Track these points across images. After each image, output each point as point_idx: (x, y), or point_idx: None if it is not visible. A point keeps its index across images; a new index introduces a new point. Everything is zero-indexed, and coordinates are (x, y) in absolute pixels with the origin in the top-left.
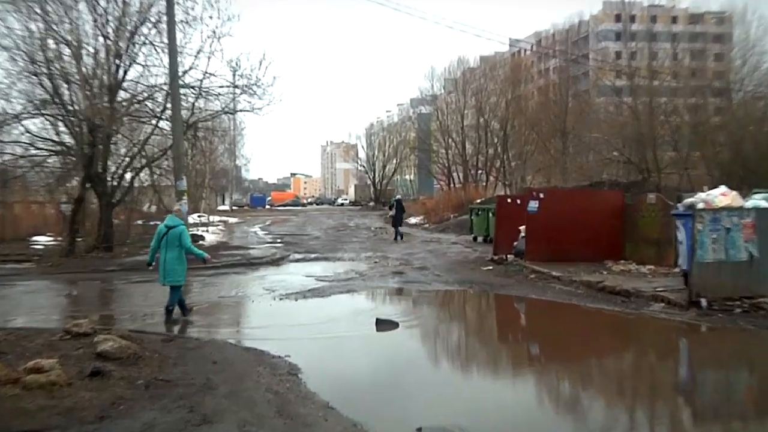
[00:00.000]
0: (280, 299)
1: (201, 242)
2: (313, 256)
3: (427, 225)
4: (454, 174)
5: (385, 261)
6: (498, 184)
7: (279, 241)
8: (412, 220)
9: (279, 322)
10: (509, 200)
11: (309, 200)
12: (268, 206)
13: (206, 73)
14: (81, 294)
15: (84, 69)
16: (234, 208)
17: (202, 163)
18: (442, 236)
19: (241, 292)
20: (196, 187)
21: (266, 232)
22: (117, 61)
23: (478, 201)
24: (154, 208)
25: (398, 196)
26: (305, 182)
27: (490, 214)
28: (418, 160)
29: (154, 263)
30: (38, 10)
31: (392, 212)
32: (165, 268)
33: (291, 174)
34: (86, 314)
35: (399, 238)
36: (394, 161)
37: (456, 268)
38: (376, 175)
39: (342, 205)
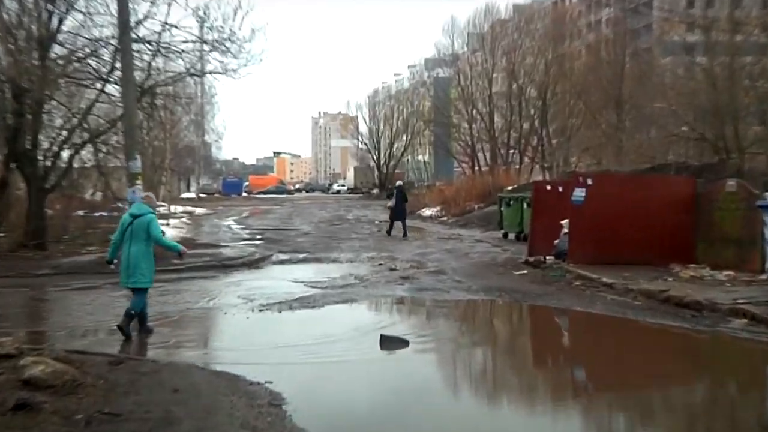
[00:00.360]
0: (260, 311)
1: None
2: (301, 256)
3: (445, 218)
4: (480, 154)
5: (392, 263)
6: (534, 167)
7: (259, 237)
8: (426, 212)
9: (258, 341)
10: (549, 187)
11: (297, 186)
12: (244, 193)
13: (166, 24)
14: (3, 305)
15: (5, 16)
16: (202, 195)
17: (161, 138)
18: (463, 232)
19: (212, 302)
20: (154, 169)
21: (243, 226)
22: (49, 6)
23: (510, 188)
24: (99, 195)
25: (399, 183)
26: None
27: (525, 205)
28: (434, 137)
29: (116, 261)
30: None
31: (391, 202)
32: (129, 265)
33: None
34: (10, 331)
35: (403, 234)
36: (404, 137)
37: (481, 272)
38: (382, 155)
39: (338, 192)
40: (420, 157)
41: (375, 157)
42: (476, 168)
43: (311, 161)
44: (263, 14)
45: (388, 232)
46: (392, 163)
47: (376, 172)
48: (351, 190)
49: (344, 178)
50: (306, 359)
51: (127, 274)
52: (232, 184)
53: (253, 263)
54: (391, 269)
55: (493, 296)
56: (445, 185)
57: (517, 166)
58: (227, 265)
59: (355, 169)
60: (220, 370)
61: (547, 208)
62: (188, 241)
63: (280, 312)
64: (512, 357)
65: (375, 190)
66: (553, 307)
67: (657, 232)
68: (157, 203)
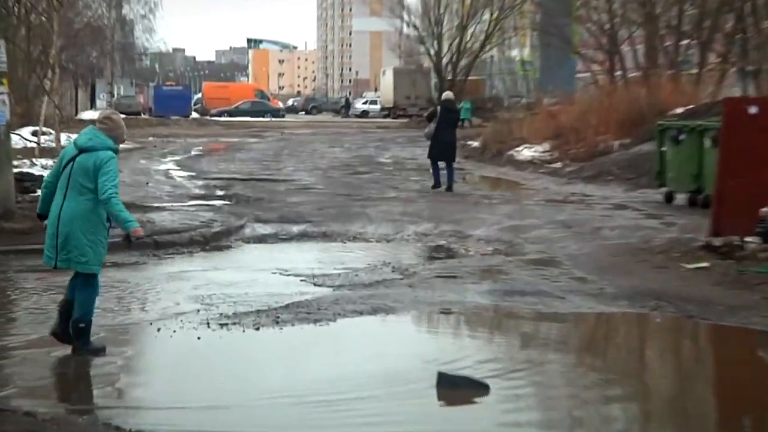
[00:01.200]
0: (222, 326)
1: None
2: (297, 229)
3: (558, 164)
4: (625, 49)
5: (461, 244)
6: (728, 72)
7: (221, 193)
8: (524, 153)
9: (211, 387)
10: (753, 111)
11: (292, 103)
12: (195, 114)
13: None
14: None
15: None
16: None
17: (42, 10)
18: (592, 190)
19: (136, 310)
20: (29, 65)
21: (191, 173)
22: None
23: (680, 111)
24: None
25: (447, 95)
26: (282, 61)
27: (707, 143)
28: (540, 16)
29: (45, 220)
30: None
31: (430, 128)
32: (58, 232)
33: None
34: None
35: (447, 186)
36: (487, 16)
37: (622, 263)
38: (444, 48)
39: (364, 114)
40: (515, 54)
41: (433, 52)
42: (617, 74)
43: (316, 58)
44: None
45: (435, 184)
46: (463, 62)
47: (434, 80)
48: (388, 112)
49: (376, 90)
50: (304, 421)
51: (62, 245)
52: (170, 97)
53: (209, 240)
54: (458, 255)
55: (645, 308)
56: (560, 104)
57: (695, 71)
58: (163, 244)
59: (396, 72)
60: None
61: (749, 150)
62: None
63: (256, 329)
64: (685, 424)
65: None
66: (759, 331)
67: None
68: (37, 127)
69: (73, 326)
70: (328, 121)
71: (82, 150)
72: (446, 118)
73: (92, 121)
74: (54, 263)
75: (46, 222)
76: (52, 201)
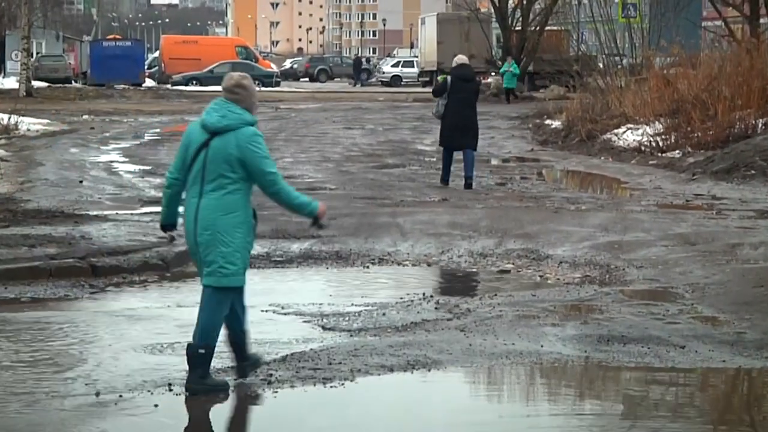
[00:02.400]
0: (189, 391)
1: None
2: (297, 248)
3: (675, 152)
4: None
5: (537, 268)
6: None
7: None
8: (627, 138)
9: None
10: None
11: (291, 64)
12: (149, 81)
13: None
14: None
15: None
16: (38, 86)
17: None
18: (724, 189)
19: (59, 370)
20: None
21: (145, 167)
22: None
23: None
24: None
25: (460, 59)
26: (276, 5)
27: None
28: None
29: (177, 228)
30: None
31: (439, 105)
32: (205, 237)
33: None
34: None
35: (464, 182)
36: None
37: None
38: None
39: (396, 81)
40: None
41: None
42: (763, 21)
43: (325, 1)
44: None
45: (442, 178)
46: (538, 6)
47: (496, 32)
48: (429, 78)
49: (412, 47)
50: None
51: (205, 253)
52: (114, 56)
53: (170, 264)
54: (532, 285)
55: None
56: (679, 67)
57: None
58: (103, 270)
59: (441, 21)
60: None
61: None
62: (7, 202)
63: (238, 395)
64: None
65: (493, 80)
66: None
67: None
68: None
69: (192, 353)
70: (343, 91)
71: (215, 132)
72: (460, 91)
73: (7, 94)
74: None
75: (172, 233)
76: (179, 204)
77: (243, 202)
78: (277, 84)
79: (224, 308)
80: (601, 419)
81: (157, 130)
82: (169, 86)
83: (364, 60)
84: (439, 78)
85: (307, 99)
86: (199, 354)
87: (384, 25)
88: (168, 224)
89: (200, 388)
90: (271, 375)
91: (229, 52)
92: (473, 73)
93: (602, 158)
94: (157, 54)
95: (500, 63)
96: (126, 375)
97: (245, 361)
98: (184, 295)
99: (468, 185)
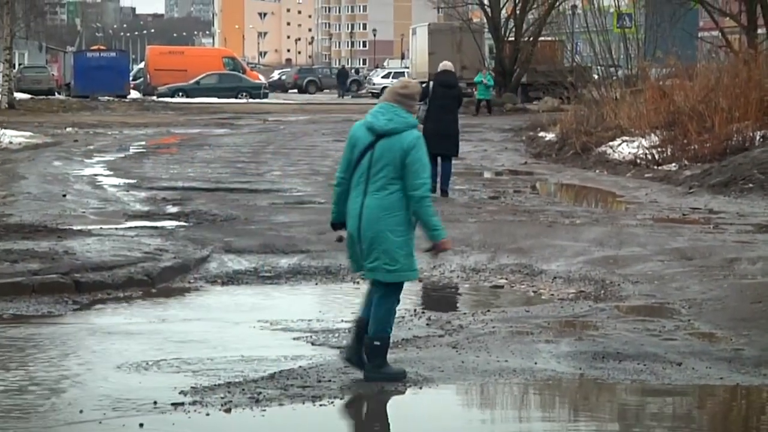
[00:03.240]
0: (175, 408)
1: None
2: (286, 263)
3: (672, 165)
4: None
5: (531, 284)
6: None
7: (172, 209)
8: (622, 150)
9: None
10: None
11: (280, 75)
12: (134, 93)
13: None
14: None
15: None
16: (20, 97)
17: None
18: (721, 203)
19: (42, 386)
20: None
21: (130, 181)
22: None
23: None
24: None
25: (444, 65)
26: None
27: None
28: None
29: (345, 229)
30: None
31: (421, 110)
32: (369, 235)
33: None
34: None
35: (442, 191)
36: None
37: None
38: None
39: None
40: (608, 3)
41: (488, 1)
42: (761, 32)
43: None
44: None
45: (433, 188)
46: (531, 15)
47: (489, 42)
48: (426, 88)
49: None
50: None
51: (368, 249)
52: (99, 67)
53: (155, 280)
54: (526, 301)
55: None
56: (675, 78)
57: None
58: (87, 286)
59: (433, 31)
60: None
61: None
62: None
63: (226, 410)
64: None
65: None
66: None
67: None
68: None
69: (368, 344)
70: (333, 102)
71: (381, 134)
72: (442, 97)
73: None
74: (362, 270)
75: (340, 232)
76: (344, 200)
77: (405, 202)
78: (265, 96)
79: (393, 301)
80: None
81: (143, 142)
82: (154, 98)
83: (353, 71)
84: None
85: (296, 111)
86: (375, 345)
87: (374, 35)
88: (338, 222)
89: (376, 376)
90: (259, 393)
91: (216, 63)
92: (456, 80)
93: (597, 171)
94: (142, 65)
95: (492, 74)
96: (110, 393)
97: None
98: (169, 311)
99: (444, 192)
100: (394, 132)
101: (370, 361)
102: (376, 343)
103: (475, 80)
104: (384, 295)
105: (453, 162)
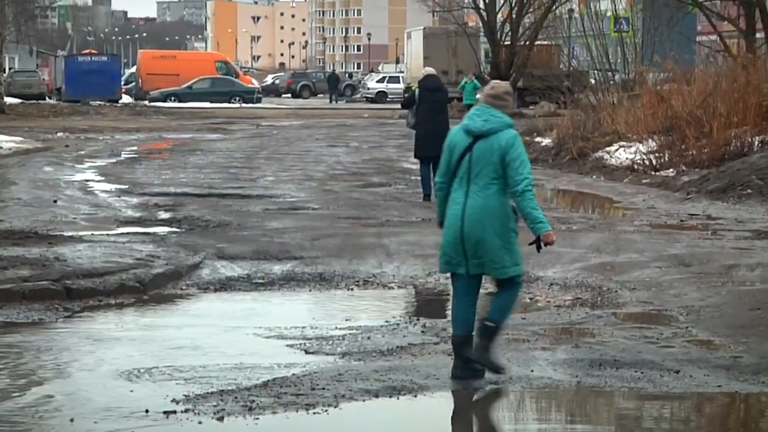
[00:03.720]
0: (167, 416)
1: None
2: (279, 269)
3: (668, 170)
4: None
5: (527, 290)
6: None
7: (164, 215)
8: (619, 156)
9: None
10: None
11: (273, 80)
12: (126, 97)
13: None
14: None
15: None
16: (10, 102)
17: None
18: (719, 209)
19: (33, 392)
20: None
21: (121, 186)
22: None
23: None
24: None
25: (427, 71)
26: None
27: None
28: None
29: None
30: None
31: (410, 116)
32: (473, 236)
33: None
34: None
35: (428, 195)
36: None
37: None
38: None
39: (382, 97)
40: (605, 7)
41: (483, 4)
42: (760, 36)
43: (308, 14)
44: None
45: (427, 195)
46: (528, 19)
47: (485, 46)
48: (412, 94)
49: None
50: None
51: (462, 251)
52: (90, 72)
53: (147, 287)
54: (522, 308)
55: None
56: (673, 83)
57: None
58: (78, 293)
59: (428, 36)
60: None
61: None
62: None
63: (219, 419)
64: None
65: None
66: None
67: None
68: None
69: (481, 322)
70: (327, 107)
71: (479, 135)
72: (430, 101)
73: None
74: (465, 269)
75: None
76: (446, 201)
77: (506, 201)
78: (259, 100)
79: (515, 293)
80: None
81: (134, 148)
82: (146, 103)
83: (346, 75)
84: (407, 95)
85: (289, 116)
86: (487, 326)
87: (369, 39)
88: (444, 221)
89: (480, 357)
90: (252, 401)
91: (209, 67)
92: (441, 83)
93: (594, 177)
94: (134, 69)
95: (488, 78)
96: (102, 401)
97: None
98: (161, 318)
99: (427, 195)
100: (491, 132)
101: (481, 339)
102: (490, 324)
103: (460, 86)
104: (509, 287)
105: None
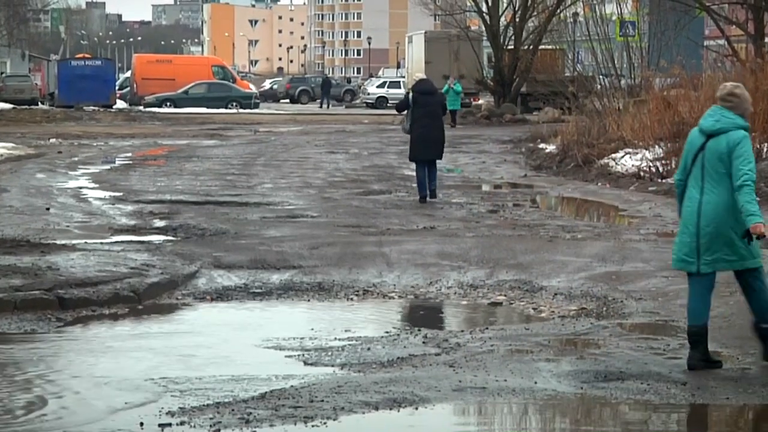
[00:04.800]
0: (162, 429)
1: None
2: (277, 279)
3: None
4: None
5: (531, 300)
6: None
7: (160, 223)
8: (627, 161)
9: None
10: None
11: (271, 85)
12: (120, 102)
13: None
14: None
15: None
16: (1, 106)
17: None
18: None
19: (23, 407)
20: None
21: (115, 194)
22: None
23: None
24: None
25: (419, 75)
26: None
27: None
28: None
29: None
30: None
31: (405, 121)
32: (707, 231)
33: None
34: None
35: (431, 191)
36: None
37: None
38: (502, 2)
39: (382, 103)
40: (610, 11)
41: (486, 8)
42: (764, 42)
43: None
44: None
45: (423, 197)
46: (531, 23)
47: (488, 50)
48: (406, 97)
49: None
50: None
51: (696, 248)
52: (83, 76)
53: (142, 296)
54: (525, 318)
55: None
56: (679, 88)
57: None
58: (71, 302)
59: (429, 40)
60: None
61: None
62: None
63: (216, 431)
64: None
65: (483, 101)
66: None
67: None
68: None
69: (756, 327)
70: (326, 113)
71: (710, 134)
72: (425, 105)
73: None
74: (696, 268)
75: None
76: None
77: (733, 204)
78: (256, 106)
79: (762, 287)
80: None
81: (129, 154)
82: (141, 108)
83: (345, 80)
84: (401, 99)
85: (287, 121)
86: (762, 327)
87: (369, 43)
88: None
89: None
90: (249, 413)
91: (205, 71)
92: (434, 87)
93: (599, 184)
94: (128, 74)
95: (491, 83)
96: (96, 414)
97: None
98: (156, 328)
99: (433, 194)
100: (721, 131)
101: (762, 343)
102: (765, 326)
103: (444, 90)
104: (755, 280)
105: (453, 175)
